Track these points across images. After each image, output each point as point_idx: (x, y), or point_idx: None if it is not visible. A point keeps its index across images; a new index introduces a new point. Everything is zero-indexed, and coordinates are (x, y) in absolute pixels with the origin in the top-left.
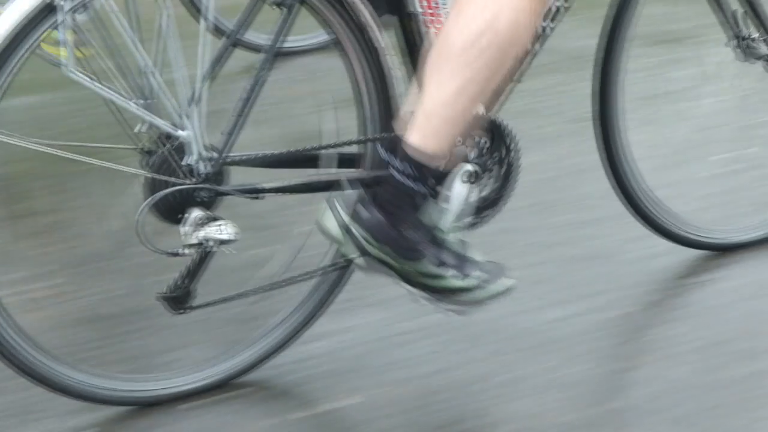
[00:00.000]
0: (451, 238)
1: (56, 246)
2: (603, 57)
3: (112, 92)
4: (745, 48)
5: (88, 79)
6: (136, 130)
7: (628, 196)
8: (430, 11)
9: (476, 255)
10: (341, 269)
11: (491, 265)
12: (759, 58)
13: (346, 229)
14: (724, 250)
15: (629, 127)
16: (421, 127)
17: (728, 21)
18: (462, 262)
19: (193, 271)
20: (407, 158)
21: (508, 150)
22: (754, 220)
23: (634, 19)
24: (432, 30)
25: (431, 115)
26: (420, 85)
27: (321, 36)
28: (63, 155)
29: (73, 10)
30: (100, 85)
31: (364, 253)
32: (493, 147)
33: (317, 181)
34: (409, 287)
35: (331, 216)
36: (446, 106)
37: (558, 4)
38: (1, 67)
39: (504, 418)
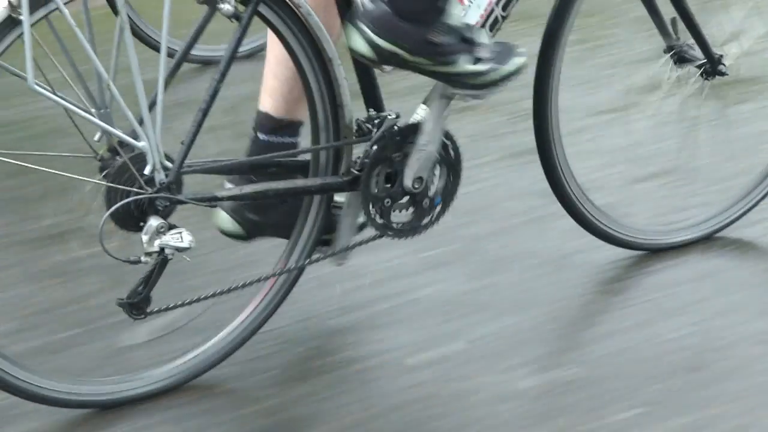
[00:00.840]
0: (457, 22)
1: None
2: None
3: (71, 103)
4: (680, 56)
5: (49, 90)
6: (95, 138)
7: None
8: None
9: (484, 37)
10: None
11: (501, 45)
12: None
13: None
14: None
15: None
16: None
17: (662, 29)
18: (471, 45)
19: (151, 278)
20: None
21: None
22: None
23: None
24: None
25: None
26: None
27: (252, 43)
28: (23, 165)
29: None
30: (60, 97)
31: (374, 47)
32: None
33: (271, 189)
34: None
35: (356, 34)
36: None
37: (497, 13)
38: None
39: None
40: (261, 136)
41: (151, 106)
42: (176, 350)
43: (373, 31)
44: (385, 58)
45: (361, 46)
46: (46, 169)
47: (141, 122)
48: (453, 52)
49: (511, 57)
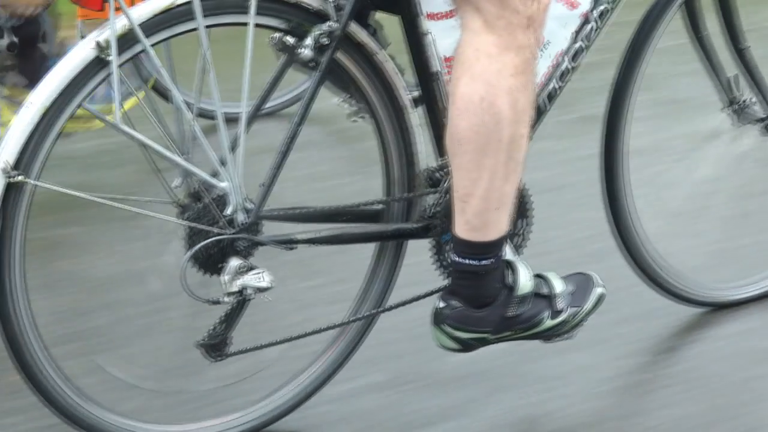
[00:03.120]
0: (528, 289)
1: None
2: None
3: (159, 146)
4: (741, 112)
5: (136, 132)
6: (173, 185)
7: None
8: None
9: (558, 285)
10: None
11: (577, 282)
12: (756, 121)
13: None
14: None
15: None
16: (473, 223)
17: (723, 86)
18: (549, 301)
19: (230, 319)
20: (472, 248)
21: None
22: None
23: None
24: None
25: (479, 212)
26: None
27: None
28: (112, 204)
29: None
30: (148, 139)
31: (458, 340)
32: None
33: (346, 234)
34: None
35: (440, 334)
36: (489, 198)
37: (566, 65)
38: (54, 120)
39: None
40: None
41: (231, 148)
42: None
43: (454, 328)
44: (471, 345)
45: (449, 343)
46: (133, 209)
47: (223, 164)
48: (533, 316)
49: (590, 292)
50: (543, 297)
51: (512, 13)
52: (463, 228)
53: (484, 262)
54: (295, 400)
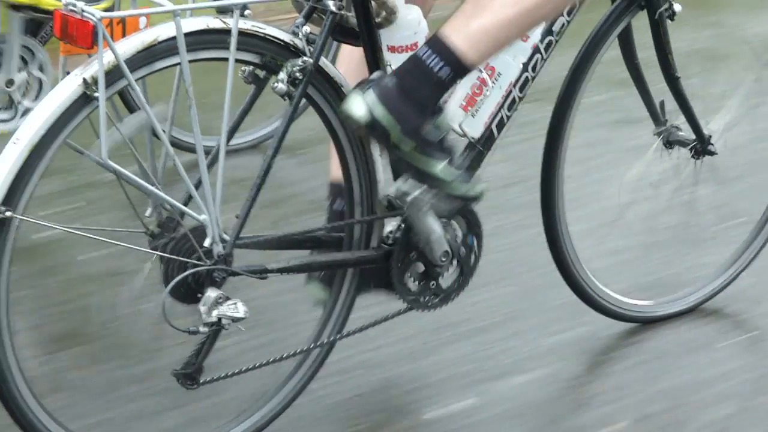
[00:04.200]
0: (447, 126)
1: None
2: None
3: (139, 179)
4: (669, 137)
5: (117, 166)
6: (146, 214)
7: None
8: None
9: (460, 150)
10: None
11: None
12: (684, 145)
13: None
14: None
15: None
16: (471, 37)
17: (653, 112)
18: (452, 155)
19: (205, 348)
20: (446, 50)
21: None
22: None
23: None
24: None
25: (484, 31)
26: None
27: (260, 131)
28: (86, 236)
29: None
30: (128, 173)
31: (370, 118)
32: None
33: (315, 262)
34: (395, 158)
35: (358, 98)
36: (501, 29)
37: (514, 95)
38: (41, 157)
39: None
40: (337, 204)
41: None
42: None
43: (379, 99)
44: (375, 128)
45: (360, 110)
46: (111, 241)
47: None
48: (434, 150)
49: (476, 181)
50: (447, 148)
51: None
52: (454, 29)
53: (443, 70)
54: (257, 426)
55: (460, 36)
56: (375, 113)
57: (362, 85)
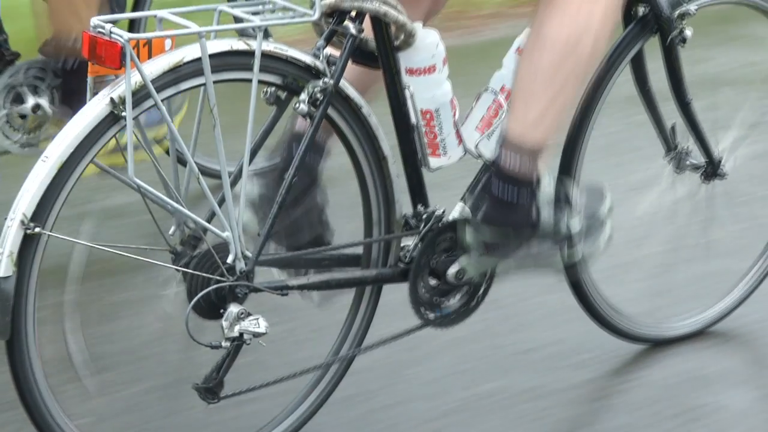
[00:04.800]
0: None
1: None
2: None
3: (165, 198)
4: (680, 160)
5: (145, 185)
6: (170, 232)
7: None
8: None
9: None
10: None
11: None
12: (695, 169)
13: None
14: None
15: None
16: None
17: (664, 135)
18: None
19: (226, 363)
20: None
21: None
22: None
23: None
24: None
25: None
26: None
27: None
28: (112, 252)
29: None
30: (154, 191)
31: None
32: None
33: (334, 279)
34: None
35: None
36: (557, 109)
37: None
38: (69, 175)
39: None
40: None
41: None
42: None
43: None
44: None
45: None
46: (136, 257)
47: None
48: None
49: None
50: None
51: None
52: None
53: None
54: None
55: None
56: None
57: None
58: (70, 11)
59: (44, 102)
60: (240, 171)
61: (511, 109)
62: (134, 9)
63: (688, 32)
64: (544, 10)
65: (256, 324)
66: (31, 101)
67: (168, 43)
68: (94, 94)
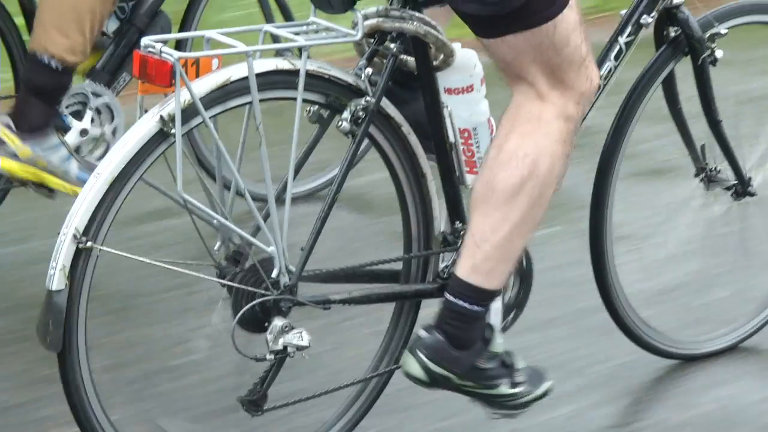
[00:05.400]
0: (500, 349)
1: None
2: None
3: (215, 213)
4: (711, 179)
5: (193, 201)
6: (215, 248)
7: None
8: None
9: (520, 363)
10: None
11: (534, 370)
12: (726, 188)
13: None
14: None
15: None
16: (485, 272)
17: (695, 155)
18: (511, 371)
19: (270, 376)
20: (469, 290)
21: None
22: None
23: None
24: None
25: (493, 260)
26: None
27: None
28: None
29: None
30: (202, 206)
31: (428, 376)
32: None
33: (374, 294)
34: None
35: (412, 360)
36: (502, 248)
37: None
38: (120, 190)
39: None
40: None
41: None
42: None
43: (428, 358)
44: (436, 380)
45: (416, 371)
46: (185, 271)
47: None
48: (496, 376)
49: (542, 381)
50: (506, 366)
51: (567, 88)
52: (467, 270)
53: (475, 308)
54: None
55: (476, 275)
56: (432, 370)
57: (412, 347)
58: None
59: (88, 125)
60: (284, 187)
61: (465, 242)
62: (181, 29)
63: (719, 53)
64: (503, 127)
65: (300, 337)
66: (78, 127)
67: (215, 62)
68: (144, 112)
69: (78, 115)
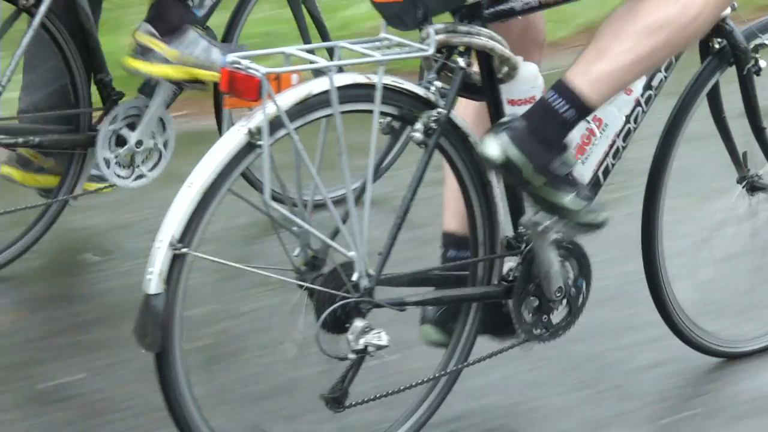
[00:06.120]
0: (573, 161)
1: None
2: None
3: (298, 219)
4: (753, 185)
5: (278, 208)
6: (294, 254)
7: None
8: None
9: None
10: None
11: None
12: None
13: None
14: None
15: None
16: (593, 81)
17: (738, 162)
18: (579, 187)
19: (351, 374)
20: (571, 93)
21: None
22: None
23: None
24: None
25: (605, 75)
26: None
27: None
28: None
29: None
30: (288, 213)
31: (504, 158)
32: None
33: (446, 296)
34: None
35: (493, 140)
36: (620, 73)
37: (618, 144)
38: (211, 199)
39: None
40: (450, 252)
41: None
42: None
43: (510, 138)
44: (510, 165)
45: (495, 151)
46: (273, 275)
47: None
48: (564, 183)
49: (602, 209)
50: (574, 181)
51: None
52: (578, 75)
53: (569, 113)
54: None
55: (584, 80)
56: (508, 153)
57: (496, 128)
58: None
59: (142, 136)
60: (361, 192)
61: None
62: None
63: (763, 62)
64: None
65: (379, 337)
66: (133, 139)
67: (295, 77)
68: (231, 125)
69: (132, 127)
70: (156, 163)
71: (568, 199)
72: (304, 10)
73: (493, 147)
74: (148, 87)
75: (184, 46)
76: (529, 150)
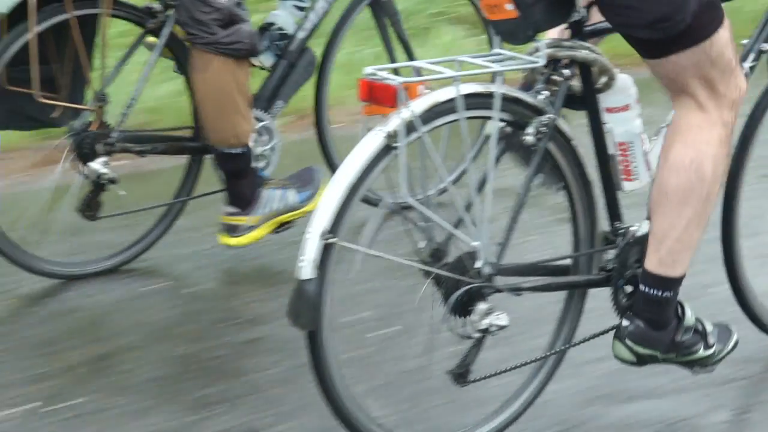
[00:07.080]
0: (692, 321)
1: None
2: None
3: (433, 215)
4: None
5: (418, 204)
6: (420, 246)
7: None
8: (623, 157)
9: (709, 325)
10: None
11: (721, 328)
12: None
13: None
14: None
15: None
16: (664, 260)
17: None
18: (704, 335)
19: (473, 351)
20: (659, 281)
21: None
22: None
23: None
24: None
25: (671, 251)
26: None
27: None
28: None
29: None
30: (426, 209)
31: (636, 358)
32: None
33: (554, 283)
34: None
35: (621, 346)
36: (681, 241)
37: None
38: (354, 195)
39: None
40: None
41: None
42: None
43: (634, 342)
44: (643, 359)
45: (625, 355)
46: (408, 263)
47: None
48: (693, 344)
49: (730, 336)
50: (699, 333)
51: (720, 96)
52: (655, 264)
53: (666, 294)
54: (507, 421)
55: (660, 266)
56: (639, 353)
57: (619, 335)
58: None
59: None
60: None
61: (649, 240)
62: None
63: None
64: (669, 138)
65: (500, 318)
66: None
67: (421, 87)
68: (368, 130)
69: None
70: (264, 168)
71: (701, 354)
72: (391, 33)
73: (624, 353)
74: (256, 100)
75: (262, 208)
76: (652, 342)
